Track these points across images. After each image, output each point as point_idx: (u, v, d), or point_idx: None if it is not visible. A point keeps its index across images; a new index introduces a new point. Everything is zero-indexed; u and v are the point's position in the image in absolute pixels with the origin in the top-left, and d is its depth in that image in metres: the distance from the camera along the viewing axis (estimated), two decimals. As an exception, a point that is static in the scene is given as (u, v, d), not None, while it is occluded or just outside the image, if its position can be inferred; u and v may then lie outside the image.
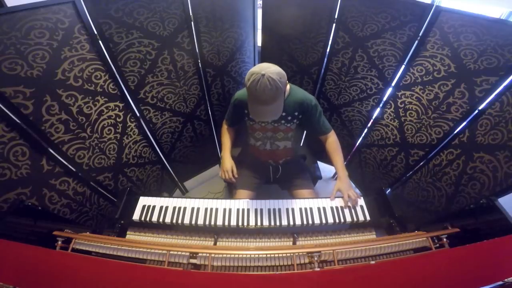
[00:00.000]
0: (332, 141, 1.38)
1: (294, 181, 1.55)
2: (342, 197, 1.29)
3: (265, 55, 1.86)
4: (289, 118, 1.32)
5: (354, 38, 1.57)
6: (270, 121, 1.31)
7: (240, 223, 1.19)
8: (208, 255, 0.90)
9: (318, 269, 0.84)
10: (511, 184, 1.11)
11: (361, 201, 1.30)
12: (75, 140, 1.26)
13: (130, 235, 1.17)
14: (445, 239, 0.97)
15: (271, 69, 1.05)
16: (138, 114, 1.54)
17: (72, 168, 1.29)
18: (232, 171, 1.37)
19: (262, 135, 1.42)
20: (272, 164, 1.57)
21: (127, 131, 1.53)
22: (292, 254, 0.91)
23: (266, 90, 1.03)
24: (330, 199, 1.29)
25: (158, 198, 1.28)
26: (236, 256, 0.94)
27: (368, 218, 1.23)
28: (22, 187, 1.09)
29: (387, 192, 1.30)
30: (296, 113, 1.31)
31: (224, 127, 1.50)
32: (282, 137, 1.41)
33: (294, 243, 1.13)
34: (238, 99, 1.34)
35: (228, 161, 1.39)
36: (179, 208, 1.23)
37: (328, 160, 2.30)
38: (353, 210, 1.25)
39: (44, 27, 1.03)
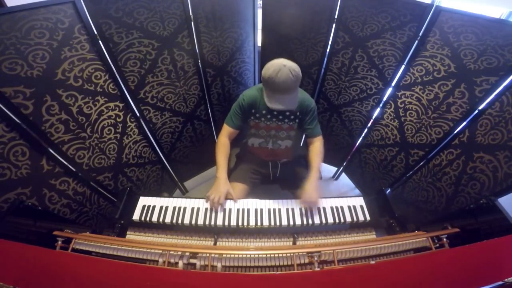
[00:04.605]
0: (318, 145, 1.41)
1: (295, 180, 1.55)
2: (340, 198, 1.30)
3: (265, 55, 1.86)
4: (292, 117, 1.37)
5: (354, 38, 1.57)
6: (285, 109, 1.24)
7: (240, 223, 1.19)
8: (208, 255, 0.89)
9: (318, 269, 0.84)
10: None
11: (361, 201, 1.30)
12: (75, 140, 1.26)
13: (130, 235, 1.17)
14: (445, 239, 0.97)
15: (290, 62, 1.16)
16: (138, 114, 1.54)
17: (72, 168, 1.29)
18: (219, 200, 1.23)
19: (266, 133, 1.44)
20: (272, 161, 1.57)
21: (127, 131, 1.53)
22: (292, 254, 0.91)
23: (288, 79, 1.12)
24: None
25: (158, 198, 1.28)
26: (236, 256, 0.94)
27: (368, 218, 1.23)
28: (22, 187, 1.09)
29: (387, 192, 1.30)
30: (298, 113, 1.36)
31: (222, 141, 1.40)
32: (284, 136, 1.43)
33: (294, 243, 1.13)
34: (247, 98, 1.34)
35: (224, 184, 1.28)
36: (179, 208, 1.23)
37: (329, 160, 2.33)
38: (353, 210, 1.25)
39: (44, 27, 1.03)
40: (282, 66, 1.12)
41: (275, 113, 1.35)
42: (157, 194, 1.92)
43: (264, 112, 1.36)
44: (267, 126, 1.41)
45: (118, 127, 1.46)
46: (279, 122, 1.39)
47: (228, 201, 1.28)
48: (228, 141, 1.42)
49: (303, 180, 1.55)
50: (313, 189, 1.26)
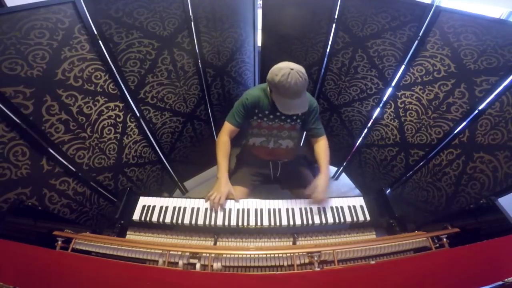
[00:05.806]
0: (324, 144, 1.42)
1: (296, 180, 1.55)
2: (340, 198, 1.30)
3: (265, 55, 1.86)
4: (295, 117, 1.37)
5: (354, 38, 1.57)
6: (299, 113, 1.31)
7: (240, 223, 1.19)
8: (208, 255, 0.89)
9: (318, 269, 0.84)
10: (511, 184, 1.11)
11: (361, 201, 1.30)
12: (75, 140, 1.26)
13: (130, 235, 1.17)
14: (445, 239, 0.97)
15: (295, 65, 1.15)
16: (138, 114, 1.54)
17: (72, 168, 1.28)
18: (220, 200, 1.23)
19: (267, 132, 1.44)
20: (273, 161, 1.57)
21: (127, 131, 1.53)
22: (292, 254, 0.91)
23: (298, 82, 1.12)
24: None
25: (158, 198, 1.28)
26: (236, 256, 0.94)
27: (368, 218, 1.23)
28: (22, 187, 1.09)
29: (387, 192, 1.30)
30: (301, 114, 1.35)
31: (222, 139, 1.37)
32: (286, 136, 1.44)
33: (294, 243, 1.13)
34: (251, 97, 1.32)
35: (225, 185, 1.28)
36: (179, 208, 1.23)
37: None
38: (353, 210, 1.25)
39: (44, 27, 1.03)
40: (290, 70, 1.11)
41: (278, 113, 1.34)
42: (157, 194, 1.91)
43: (267, 112, 1.36)
44: (269, 126, 1.41)
45: (118, 127, 1.46)
46: (281, 122, 1.39)
47: (228, 201, 1.28)
48: (229, 140, 1.41)
49: (304, 179, 1.55)
50: (325, 187, 1.27)
